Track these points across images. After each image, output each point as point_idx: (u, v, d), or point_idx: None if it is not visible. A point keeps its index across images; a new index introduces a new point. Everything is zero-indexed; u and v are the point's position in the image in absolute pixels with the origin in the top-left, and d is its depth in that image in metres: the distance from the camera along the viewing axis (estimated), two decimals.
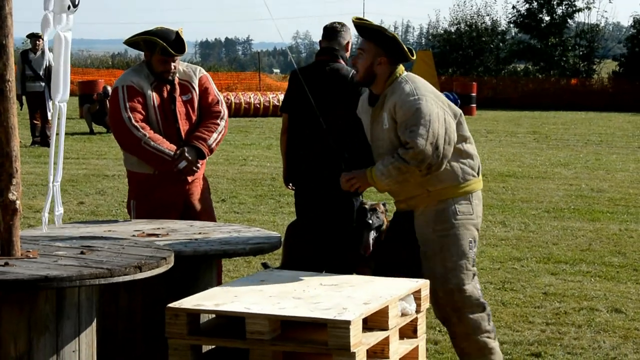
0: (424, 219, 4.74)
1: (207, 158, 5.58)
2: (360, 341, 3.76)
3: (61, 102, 4.25)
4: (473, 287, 4.74)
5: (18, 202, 3.66)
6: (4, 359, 3.40)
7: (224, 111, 5.65)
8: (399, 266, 4.78)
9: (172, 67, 5.47)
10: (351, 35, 6.10)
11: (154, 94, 5.47)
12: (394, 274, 4.65)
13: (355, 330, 3.72)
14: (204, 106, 5.62)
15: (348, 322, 3.68)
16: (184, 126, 5.53)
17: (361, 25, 4.75)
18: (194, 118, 5.58)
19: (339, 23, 6.08)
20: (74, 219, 9.53)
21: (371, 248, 5.53)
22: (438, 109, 4.59)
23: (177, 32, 5.47)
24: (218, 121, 5.59)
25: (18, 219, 3.68)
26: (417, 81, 4.72)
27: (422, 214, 4.74)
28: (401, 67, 4.78)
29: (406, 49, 4.69)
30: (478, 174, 4.82)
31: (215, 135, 5.53)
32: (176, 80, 5.54)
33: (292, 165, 6.06)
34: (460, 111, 4.80)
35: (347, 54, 6.06)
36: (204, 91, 5.63)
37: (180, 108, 5.53)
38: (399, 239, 4.93)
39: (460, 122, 4.73)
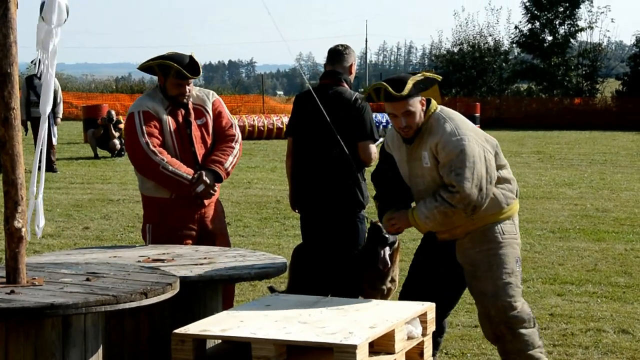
0: (469, 239, 4.78)
1: (223, 181, 5.60)
2: None
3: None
4: (523, 302, 4.80)
5: (24, 229, 3.67)
6: None
7: (238, 134, 5.68)
8: (433, 293, 4.78)
9: (187, 91, 5.49)
10: (355, 57, 6.11)
11: (170, 118, 5.48)
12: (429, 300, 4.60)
13: (362, 354, 3.71)
14: (218, 130, 5.64)
15: (354, 347, 3.67)
16: (199, 150, 5.55)
17: (401, 96, 4.59)
18: (209, 142, 5.61)
19: (342, 45, 6.08)
20: (79, 244, 9.53)
21: (389, 264, 5.55)
22: (479, 147, 4.63)
23: (190, 56, 5.50)
24: (233, 144, 5.61)
25: (24, 246, 3.68)
26: (455, 118, 4.73)
27: (467, 236, 4.79)
28: (434, 102, 4.78)
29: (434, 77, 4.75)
30: (516, 195, 4.88)
31: (231, 158, 5.56)
32: (190, 105, 5.56)
33: (297, 189, 6.07)
34: (496, 142, 4.86)
35: (352, 77, 6.07)
36: (218, 115, 5.66)
37: (195, 132, 5.55)
38: (433, 265, 4.94)
39: (497, 152, 4.79)
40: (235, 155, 5.59)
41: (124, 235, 10.19)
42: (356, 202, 5.89)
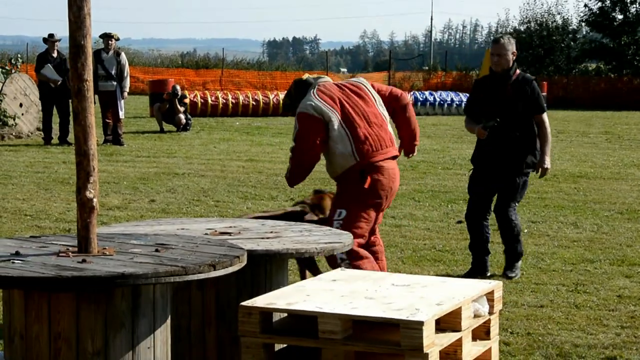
0: None
1: None
2: (433, 342, 3.74)
3: None
4: None
5: (95, 200, 3.71)
6: (81, 355, 3.46)
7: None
8: None
9: None
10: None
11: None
12: None
13: (428, 331, 3.69)
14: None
15: (421, 323, 3.65)
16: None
17: None
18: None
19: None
20: (146, 216, 9.65)
21: None
22: None
23: None
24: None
25: (95, 216, 3.73)
26: None
27: None
28: None
29: None
30: None
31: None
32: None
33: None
34: None
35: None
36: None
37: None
38: None
39: None
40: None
41: (189, 209, 10.28)
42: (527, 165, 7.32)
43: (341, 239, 4.75)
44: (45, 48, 17.17)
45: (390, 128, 6.20)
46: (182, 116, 20.35)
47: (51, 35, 16.99)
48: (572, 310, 6.30)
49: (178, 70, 39.77)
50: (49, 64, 16.74)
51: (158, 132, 20.15)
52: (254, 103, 25.81)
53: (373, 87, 6.30)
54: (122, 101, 17.13)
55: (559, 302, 6.49)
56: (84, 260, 3.57)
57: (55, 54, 16.94)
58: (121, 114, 17.10)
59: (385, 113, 6.22)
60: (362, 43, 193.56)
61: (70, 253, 3.70)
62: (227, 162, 14.93)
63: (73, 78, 3.69)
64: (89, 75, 3.71)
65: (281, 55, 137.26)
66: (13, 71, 19.15)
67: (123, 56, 17.26)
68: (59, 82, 16.48)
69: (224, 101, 25.49)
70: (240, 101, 25.65)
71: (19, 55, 22.65)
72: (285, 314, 4.13)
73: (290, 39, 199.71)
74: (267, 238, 4.65)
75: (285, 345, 4.11)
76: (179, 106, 20.28)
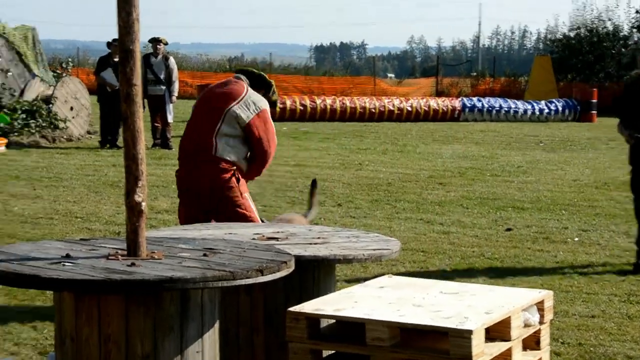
0: None
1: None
2: (483, 351, 3.69)
3: None
4: None
5: (144, 203, 3.72)
6: (131, 358, 3.46)
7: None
8: None
9: None
10: None
11: None
12: None
13: (478, 340, 3.64)
14: None
15: (470, 332, 3.61)
16: None
17: None
18: None
19: None
20: None
21: None
22: None
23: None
24: None
25: (144, 220, 3.73)
26: None
27: None
28: None
29: None
30: None
31: None
32: None
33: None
34: None
35: None
36: None
37: None
38: None
39: None
40: None
41: None
42: None
43: (389, 246, 4.71)
44: (108, 52, 17.37)
45: (218, 140, 6.21)
46: None
47: (115, 40, 17.20)
48: (624, 321, 6.20)
49: (226, 75, 39.91)
50: (110, 68, 16.93)
51: None
52: (301, 108, 25.85)
53: (254, 122, 6.34)
54: (171, 105, 17.24)
55: (611, 313, 6.39)
56: (132, 264, 3.57)
57: (117, 59, 17.14)
58: (170, 118, 17.22)
59: (225, 130, 6.22)
60: (409, 48, 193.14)
61: (119, 256, 3.71)
62: (275, 166, 14.92)
63: (122, 82, 3.70)
64: (138, 79, 3.72)
65: (328, 60, 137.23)
66: (64, 75, 19.38)
67: (172, 60, 17.38)
68: (116, 87, 16.67)
69: None
70: (288, 106, 25.70)
71: (69, 59, 22.92)
72: (333, 320, 4.11)
73: (338, 44, 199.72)
74: (315, 244, 4.63)
75: (333, 352, 4.08)
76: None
